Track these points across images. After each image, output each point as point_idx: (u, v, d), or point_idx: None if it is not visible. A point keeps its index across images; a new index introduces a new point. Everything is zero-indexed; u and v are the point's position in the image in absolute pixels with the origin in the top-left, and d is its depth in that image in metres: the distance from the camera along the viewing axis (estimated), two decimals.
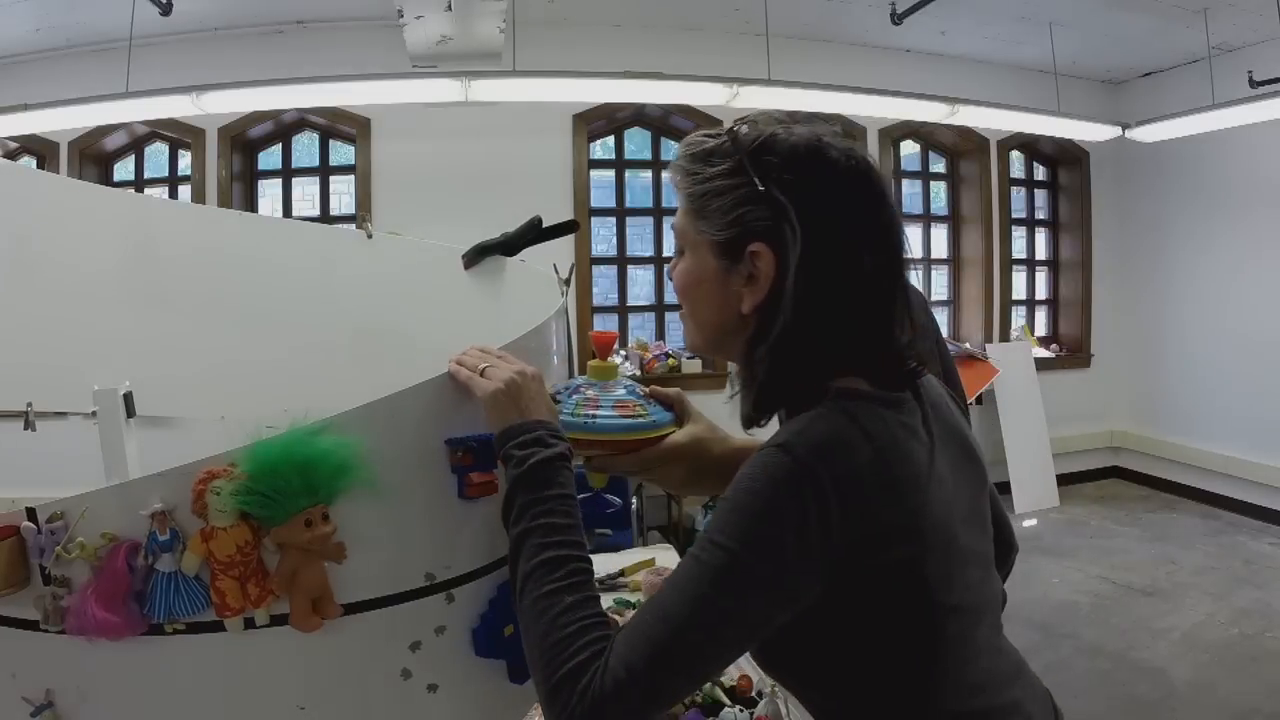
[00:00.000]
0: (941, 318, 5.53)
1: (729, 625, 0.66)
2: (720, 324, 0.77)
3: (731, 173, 0.73)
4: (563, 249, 2.73)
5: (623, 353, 4.79)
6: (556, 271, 1.15)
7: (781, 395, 0.75)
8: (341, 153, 4.64)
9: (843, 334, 0.72)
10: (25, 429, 1.29)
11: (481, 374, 0.75)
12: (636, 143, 5.04)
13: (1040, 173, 5.74)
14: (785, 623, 0.68)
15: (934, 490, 0.71)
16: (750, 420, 0.77)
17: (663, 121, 4.92)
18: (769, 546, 0.65)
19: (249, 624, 0.66)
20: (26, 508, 0.64)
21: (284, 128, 4.56)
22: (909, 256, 0.76)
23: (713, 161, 0.75)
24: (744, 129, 0.76)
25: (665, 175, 0.81)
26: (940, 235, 5.51)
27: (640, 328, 5.08)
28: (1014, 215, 5.44)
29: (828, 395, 0.72)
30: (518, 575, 0.70)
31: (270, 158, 4.65)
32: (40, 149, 4.13)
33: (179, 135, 4.28)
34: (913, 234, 5.35)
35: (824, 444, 0.67)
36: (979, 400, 5.00)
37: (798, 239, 0.70)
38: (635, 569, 2.06)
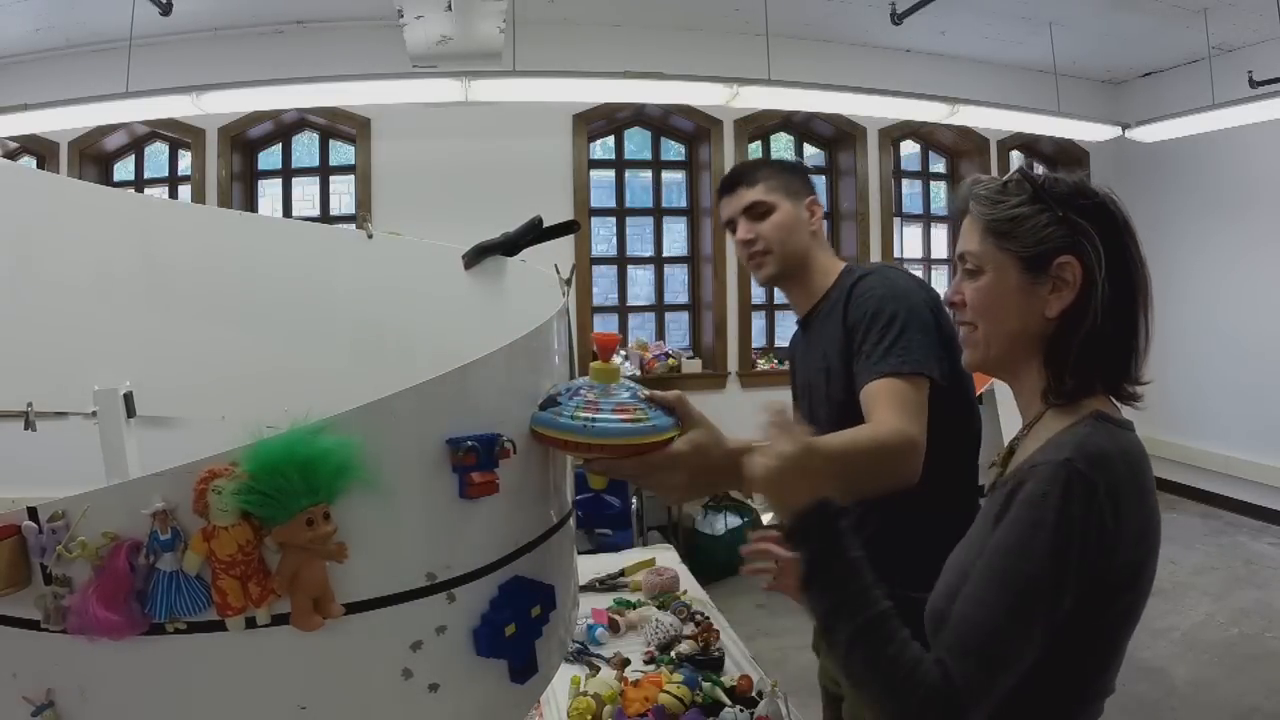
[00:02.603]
0: None
1: (1035, 625, 0.79)
2: (1023, 330, 0.89)
3: (1031, 200, 0.88)
4: (563, 249, 2.73)
5: (623, 353, 4.79)
6: (558, 271, 1.15)
7: (1077, 385, 0.87)
8: (341, 153, 4.65)
9: (1128, 337, 0.87)
10: (25, 429, 1.29)
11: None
12: (636, 143, 5.04)
13: (1040, 173, 5.74)
14: None
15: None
16: (1067, 397, 0.89)
17: (663, 121, 4.92)
18: (1064, 555, 0.78)
19: (250, 623, 0.66)
20: (28, 507, 0.64)
21: (284, 128, 4.56)
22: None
23: (1010, 193, 0.90)
24: (1022, 172, 0.92)
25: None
26: (940, 235, 5.51)
27: (640, 328, 5.08)
28: None
29: (1087, 409, 0.87)
30: (839, 645, 0.84)
31: (270, 158, 4.66)
32: (40, 149, 4.14)
33: (179, 135, 4.28)
34: (912, 234, 5.42)
35: (1098, 457, 0.80)
36: (980, 400, 5.00)
37: (1100, 253, 0.84)
38: (635, 569, 2.07)
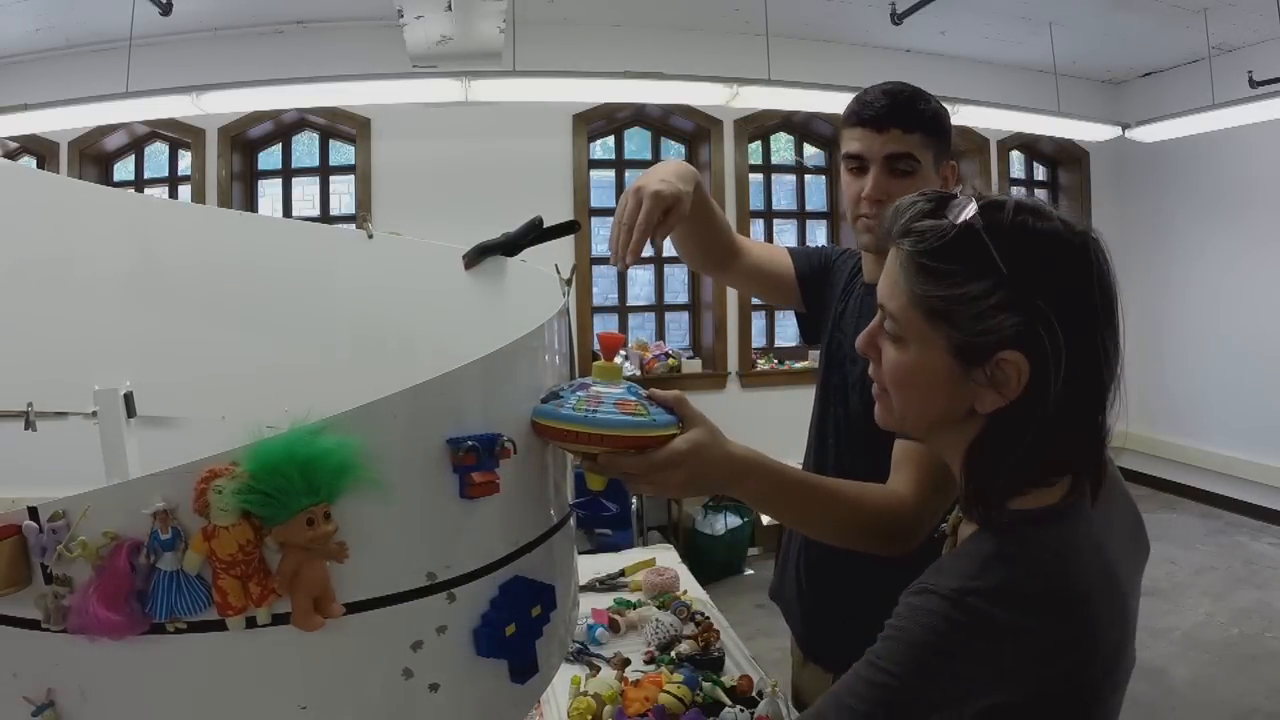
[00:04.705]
0: None
1: None
2: (940, 419, 0.73)
3: (981, 271, 0.66)
4: (563, 249, 2.73)
5: (623, 353, 4.79)
6: (558, 271, 1.15)
7: (999, 506, 0.71)
8: (341, 153, 4.65)
9: (1085, 435, 0.69)
10: (25, 429, 1.29)
11: None
12: (636, 143, 5.04)
13: (1040, 173, 5.74)
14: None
15: (1101, 595, 0.68)
16: (985, 518, 0.72)
17: (663, 121, 4.92)
18: (938, 681, 0.65)
19: (251, 623, 0.66)
20: (28, 506, 0.64)
21: (284, 128, 4.56)
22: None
23: (955, 255, 0.67)
24: (983, 212, 0.68)
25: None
26: None
27: (640, 328, 5.08)
28: None
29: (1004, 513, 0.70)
30: None
31: (270, 158, 4.66)
32: (40, 149, 4.13)
33: (179, 135, 4.28)
34: None
35: (998, 591, 0.65)
36: None
37: (1061, 345, 0.65)
38: (635, 569, 2.06)
